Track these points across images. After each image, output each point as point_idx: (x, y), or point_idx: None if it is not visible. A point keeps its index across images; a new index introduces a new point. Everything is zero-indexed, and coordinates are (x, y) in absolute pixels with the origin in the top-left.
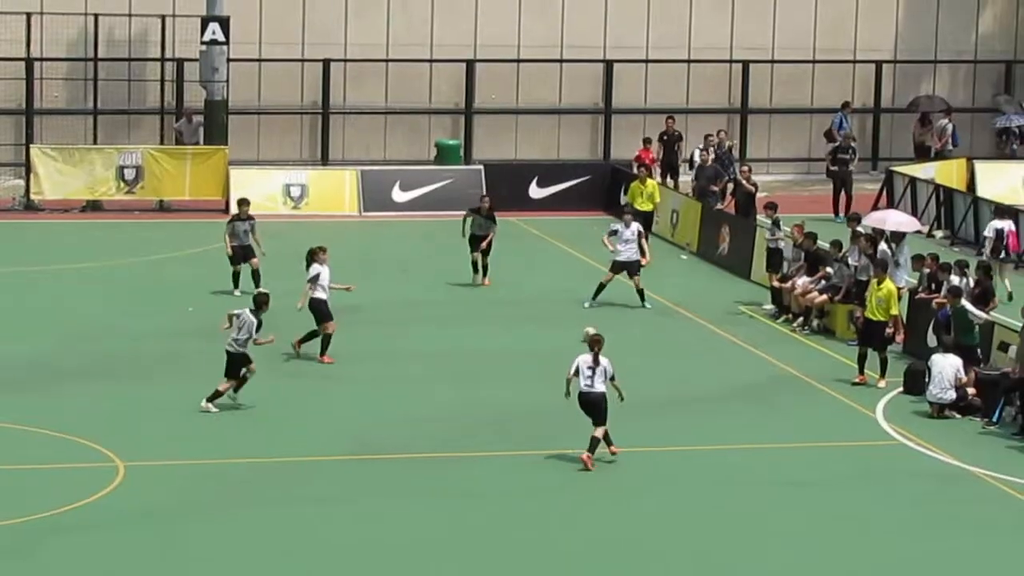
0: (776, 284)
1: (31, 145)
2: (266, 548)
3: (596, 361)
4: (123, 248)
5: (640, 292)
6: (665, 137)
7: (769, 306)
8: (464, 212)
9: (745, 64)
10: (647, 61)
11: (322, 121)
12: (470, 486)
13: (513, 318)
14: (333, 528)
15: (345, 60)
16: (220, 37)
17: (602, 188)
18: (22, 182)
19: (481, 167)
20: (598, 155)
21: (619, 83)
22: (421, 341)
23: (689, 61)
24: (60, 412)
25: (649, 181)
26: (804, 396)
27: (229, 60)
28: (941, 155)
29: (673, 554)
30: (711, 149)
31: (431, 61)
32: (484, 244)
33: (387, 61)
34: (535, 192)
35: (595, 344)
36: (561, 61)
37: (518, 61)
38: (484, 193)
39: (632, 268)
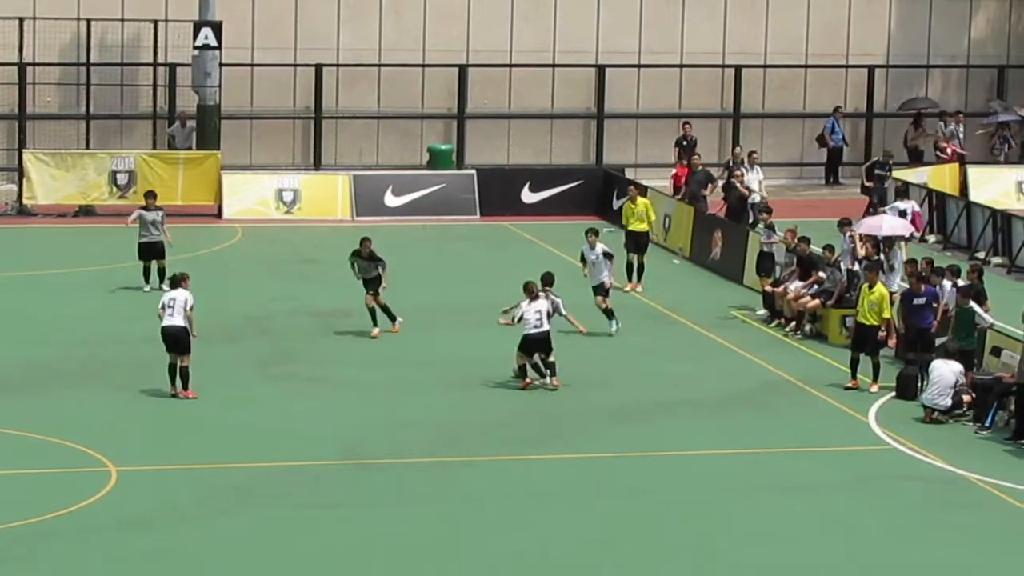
0: (768, 288)
1: (24, 150)
2: (259, 553)
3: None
4: (116, 253)
5: (607, 312)
6: (684, 143)
7: (762, 311)
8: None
9: (738, 69)
10: (639, 66)
11: (315, 126)
12: (466, 490)
13: (493, 324)
14: (325, 533)
15: (337, 65)
16: (213, 42)
17: (595, 192)
18: (15, 187)
19: (473, 172)
20: (591, 159)
21: (611, 88)
22: (413, 346)
23: (682, 66)
24: (54, 417)
25: (640, 200)
26: (797, 400)
27: (222, 65)
28: (958, 160)
29: (668, 558)
30: (738, 166)
31: (423, 66)
32: (385, 284)
33: (379, 66)
34: (528, 196)
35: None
36: (553, 66)
37: (510, 66)
38: (365, 236)
39: (600, 289)
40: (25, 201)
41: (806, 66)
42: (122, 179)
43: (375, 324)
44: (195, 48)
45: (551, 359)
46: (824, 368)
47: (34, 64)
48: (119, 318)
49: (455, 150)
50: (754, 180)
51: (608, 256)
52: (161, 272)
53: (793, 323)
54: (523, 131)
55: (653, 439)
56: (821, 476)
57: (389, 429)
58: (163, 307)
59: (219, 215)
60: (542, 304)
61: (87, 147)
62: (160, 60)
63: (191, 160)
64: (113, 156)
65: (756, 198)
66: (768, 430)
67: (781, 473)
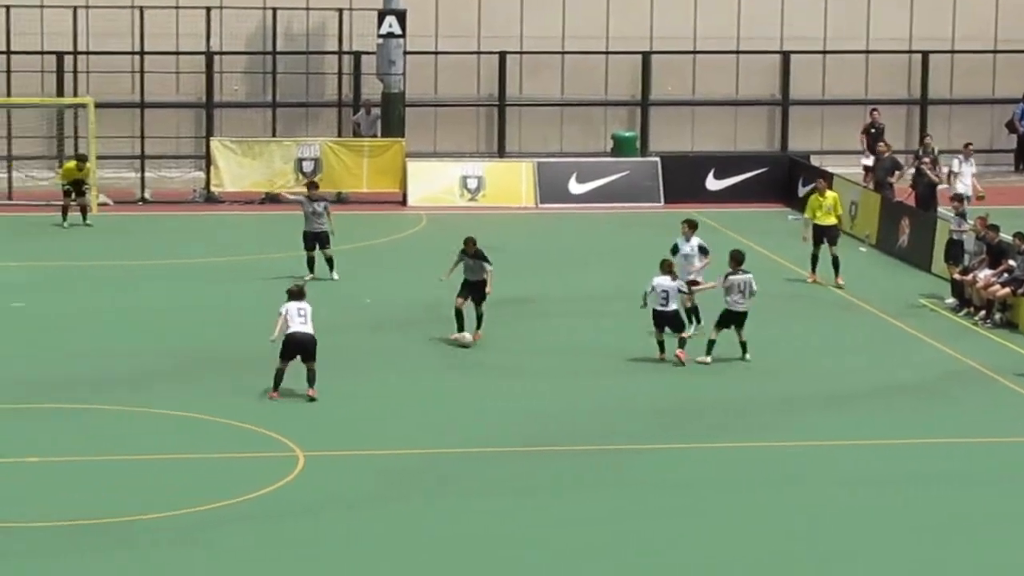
0: (957, 277)
1: (211, 138)
2: (439, 539)
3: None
4: (297, 240)
5: (690, 311)
6: (872, 130)
7: (950, 299)
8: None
9: (925, 55)
10: (825, 52)
11: (498, 113)
12: (636, 478)
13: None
14: (502, 520)
15: (521, 52)
16: (397, 30)
17: (779, 179)
18: (202, 174)
19: (657, 159)
20: (775, 146)
21: (796, 74)
22: (590, 334)
23: (867, 52)
24: (241, 402)
25: (829, 193)
26: (984, 390)
27: (406, 53)
28: None
29: (840, 551)
30: (929, 157)
31: (607, 53)
32: (489, 288)
33: (563, 53)
34: (712, 184)
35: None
36: (738, 52)
37: (694, 53)
38: (470, 236)
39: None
40: (212, 188)
41: (995, 51)
42: (308, 167)
43: (461, 328)
44: (380, 36)
45: (683, 335)
46: (1014, 357)
47: (221, 53)
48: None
49: (639, 137)
50: (967, 172)
51: (703, 251)
52: (329, 261)
53: (983, 311)
54: (707, 118)
55: (845, 428)
56: (1006, 468)
57: (565, 416)
58: (290, 315)
59: (403, 202)
60: (667, 282)
61: (273, 135)
62: (345, 48)
63: (376, 148)
64: (299, 144)
65: (963, 189)
66: (952, 419)
67: (962, 464)
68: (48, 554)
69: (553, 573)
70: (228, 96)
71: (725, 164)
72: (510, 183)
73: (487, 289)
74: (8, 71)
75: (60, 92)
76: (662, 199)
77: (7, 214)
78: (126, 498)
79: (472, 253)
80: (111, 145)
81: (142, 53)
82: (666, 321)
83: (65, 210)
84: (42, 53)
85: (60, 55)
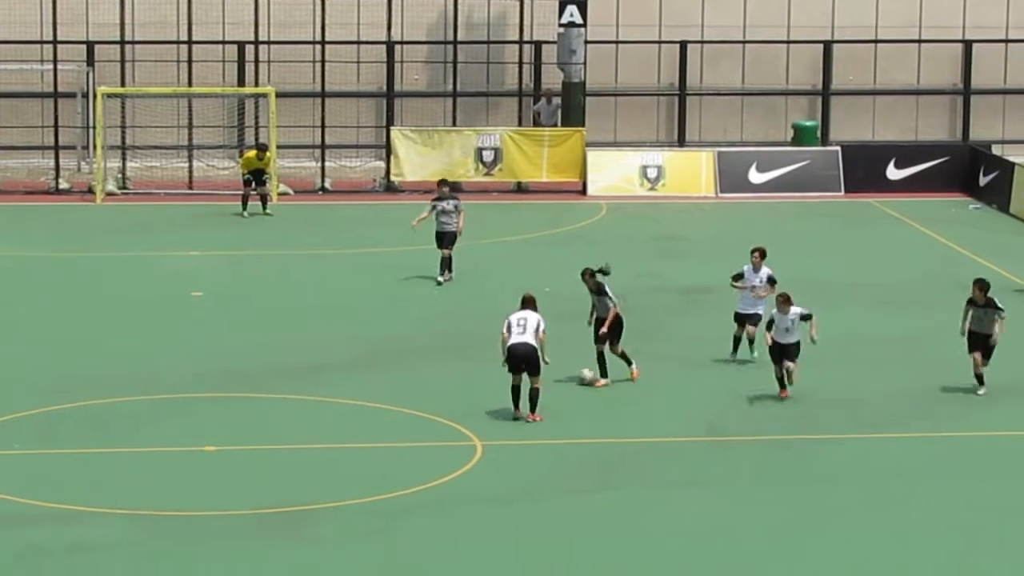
0: None
1: (391, 127)
2: (617, 530)
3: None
4: (482, 230)
5: (750, 341)
6: None
7: None
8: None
9: None
10: (1007, 41)
11: (679, 103)
12: (824, 470)
13: (870, 301)
14: (682, 511)
15: (702, 42)
16: (578, 19)
17: (961, 170)
18: (383, 164)
19: (838, 148)
20: (956, 136)
21: (978, 63)
22: None
23: None
24: (419, 391)
25: None
26: None
27: (586, 42)
28: None
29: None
30: None
31: (788, 42)
32: (605, 328)
33: (744, 43)
34: (892, 173)
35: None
36: (919, 41)
37: (875, 42)
38: (587, 267)
39: (755, 321)
40: (392, 178)
41: None
42: (488, 156)
43: (604, 374)
44: (560, 25)
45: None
46: None
47: (402, 43)
48: (479, 295)
49: (819, 126)
50: None
51: (772, 282)
52: (445, 262)
53: None
54: (888, 107)
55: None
56: None
57: (749, 406)
58: (510, 326)
59: (583, 191)
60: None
61: (453, 124)
62: (526, 38)
63: (556, 137)
64: (479, 133)
65: None
66: None
67: None
68: (228, 543)
69: (740, 568)
70: (408, 85)
71: (906, 153)
72: (690, 172)
73: (605, 328)
74: (190, 61)
75: (241, 82)
76: (842, 189)
77: (188, 203)
78: (307, 487)
79: (593, 288)
80: (291, 135)
81: (323, 43)
82: (787, 353)
83: (245, 199)
84: (224, 43)
85: (242, 45)
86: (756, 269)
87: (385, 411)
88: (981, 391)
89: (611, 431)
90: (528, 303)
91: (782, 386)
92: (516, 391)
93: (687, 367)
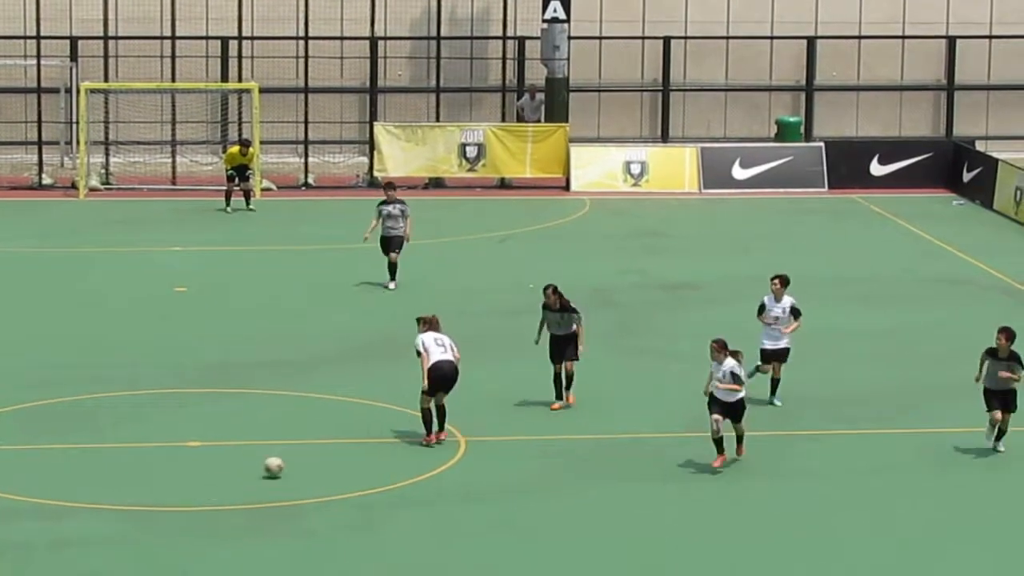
0: None
1: (375, 123)
2: (598, 527)
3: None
4: (465, 225)
5: (774, 383)
6: None
7: None
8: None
9: None
10: (991, 37)
11: (662, 98)
12: (805, 465)
13: (853, 296)
14: (664, 507)
15: (685, 37)
16: (561, 15)
17: (945, 166)
18: (366, 159)
19: (821, 144)
20: (940, 132)
21: (962, 59)
22: (755, 320)
23: None
24: (402, 387)
25: None
26: None
27: (570, 38)
28: None
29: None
30: None
31: (772, 38)
32: (582, 347)
33: (727, 38)
34: (876, 169)
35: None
36: (903, 37)
37: (859, 38)
38: (549, 284)
39: (782, 356)
40: (376, 173)
41: None
42: (471, 152)
43: (558, 396)
44: (544, 21)
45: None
46: None
47: (385, 38)
48: (467, 290)
49: (803, 122)
50: None
51: (795, 312)
52: (391, 267)
53: None
54: (872, 103)
55: None
56: None
57: None
58: (426, 346)
59: (567, 187)
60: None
61: (437, 120)
62: (509, 33)
63: (540, 132)
64: (462, 129)
65: None
66: None
67: None
68: (215, 538)
69: (723, 564)
70: (392, 81)
71: (890, 149)
72: (674, 168)
73: (580, 347)
74: (173, 56)
75: (224, 77)
76: (826, 184)
77: (172, 198)
78: (293, 483)
79: (556, 307)
80: (275, 130)
81: (306, 38)
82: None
83: (229, 195)
84: (207, 38)
85: (225, 40)
86: (777, 299)
87: (369, 407)
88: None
89: (594, 427)
90: (434, 324)
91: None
92: (428, 415)
93: (670, 362)
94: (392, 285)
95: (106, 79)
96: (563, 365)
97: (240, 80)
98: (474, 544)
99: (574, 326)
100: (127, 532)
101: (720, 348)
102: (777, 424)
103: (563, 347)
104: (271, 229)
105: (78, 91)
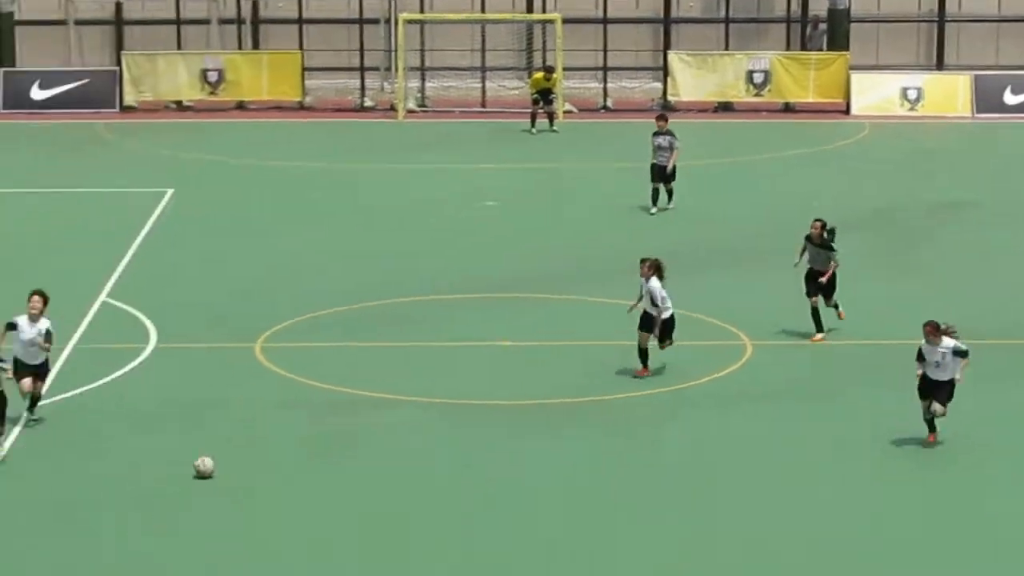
0: None
1: (668, 51)
2: (876, 428)
3: None
4: (749, 146)
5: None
6: None
7: None
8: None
9: None
10: None
11: (938, 29)
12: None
13: None
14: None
15: None
16: None
17: None
18: (659, 85)
19: None
20: None
21: None
22: None
23: None
24: (694, 296)
25: None
26: None
27: None
28: None
29: None
30: None
31: None
32: (825, 279)
33: None
34: None
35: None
36: None
37: None
38: (818, 218)
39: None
40: (669, 97)
41: None
42: (758, 78)
43: (818, 329)
44: None
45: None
46: None
47: None
48: (748, 206)
49: None
50: None
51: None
52: (669, 193)
53: None
54: None
55: None
56: None
57: (996, 311)
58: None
59: (847, 112)
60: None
61: (726, 49)
62: None
63: (822, 61)
64: (750, 57)
65: None
66: None
67: None
68: (520, 429)
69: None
70: (684, 12)
71: None
72: (948, 94)
73: (823, 279)
74: None
75: (530, 9)
76: None
77: (481, 120)
78: (596, 380)
79: (818, 241)
80: (576, 58)
81: None
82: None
83: (534, 117)
84: None
85: None
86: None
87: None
88: None
89: (871, 334)
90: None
91: (930, 429)
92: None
93: (945, 277)
94: (654, 210)
95: (422, 10)
96: (813, 300)
97: (544, 11)
98: (756, 441)
99: (831, 263)
100: (441, 421)
101: (934, 331)
102: None
103: (818, 282)
104: (573, 148)
105: (396, 22)
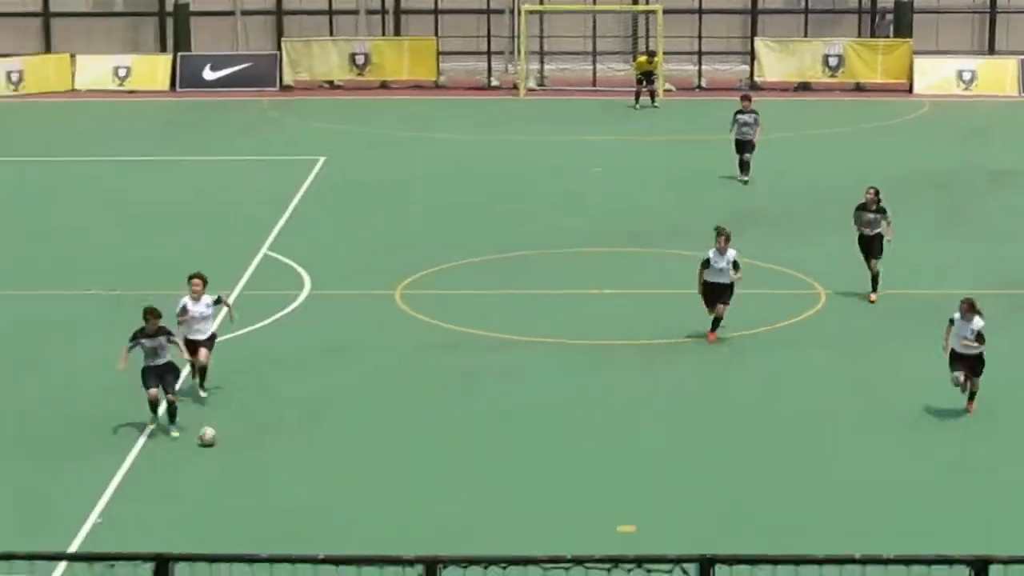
0: None
1: (755, 38)
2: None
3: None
4: (823, 121)
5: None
6: None
7: None
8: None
9: None
10: None
11: (989, 19)
12: None
13: None
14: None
15: None
16: None
17: None
18: (747, 67)
19: None
20: None
21: None
22: None
23: None
24: (776, 250)
25: None
26: None
27: None
28: None
29: None
30: None
31: None
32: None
33: None
34: None
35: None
36: None
37: None
38: (872, 186)
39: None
40: (756, 78)
41: None
42: (833, 62)
43: (874, 288)
44: None
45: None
46: None
47: None
48: (823, 174)
49: None
50: None
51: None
52: (744, 165)
53: None
54: None
55: None
56: None
57: None
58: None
59: (910, 91)
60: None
61: (805, 35)
62: None
63: (889, 47)
64: (826, 43)
65: None
66: None
67: None
68: (622, 366)
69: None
70: (769, 3)
71: None
72: (998, 76)
73: (888, 238)
74: None
75: (635, 0)
76: None
77: (592, 98)
78: (677, 326)
79: (873, 208)
80: (674, 43)
81: None
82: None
83: (638, 95)
84: None
85: None
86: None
87: (749, 265)
88: None
89: (931, 285)
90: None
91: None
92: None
93: (994, 236)
94: (746, 177)
95: (541, 2)
96: (872, 263)
97: (647, 3)
98: (834, 382)
99: (884, 224)
100: (555, 362)
101: (970, 308)
102: None
103: (871, 246)
104: (672, 122)
105: (519, 12)
